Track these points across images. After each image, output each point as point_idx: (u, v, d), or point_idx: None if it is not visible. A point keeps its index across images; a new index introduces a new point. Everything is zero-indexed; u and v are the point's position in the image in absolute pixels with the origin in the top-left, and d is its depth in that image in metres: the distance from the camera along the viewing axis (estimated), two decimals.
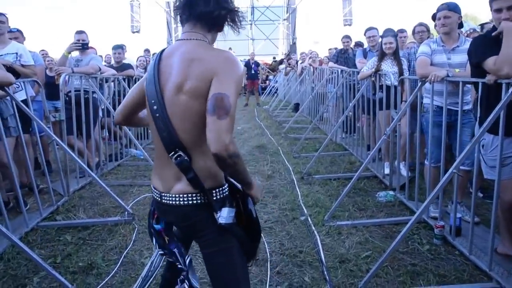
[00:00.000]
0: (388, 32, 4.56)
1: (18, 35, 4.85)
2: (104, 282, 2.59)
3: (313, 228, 3.29)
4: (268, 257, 2.84)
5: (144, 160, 5.70)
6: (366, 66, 4.74)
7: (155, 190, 1.49)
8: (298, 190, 4.24)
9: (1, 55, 4.10)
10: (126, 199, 4.03)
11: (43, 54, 6.32)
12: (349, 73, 5.86)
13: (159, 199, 1.47)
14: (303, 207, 3.76)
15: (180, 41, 1.45)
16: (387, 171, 4.46)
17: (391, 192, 4.04)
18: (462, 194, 3.38)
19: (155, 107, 1.37)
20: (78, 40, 4.71)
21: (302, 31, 21.18)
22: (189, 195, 1.39)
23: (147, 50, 10.24)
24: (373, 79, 4.55)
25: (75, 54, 4.93)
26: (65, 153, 3.98)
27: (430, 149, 3.26)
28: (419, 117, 3.56)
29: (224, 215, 1.39)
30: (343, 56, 6.72)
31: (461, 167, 2.89)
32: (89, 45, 5.14)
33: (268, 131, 7.96)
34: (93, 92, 4.73)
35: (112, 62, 6.68)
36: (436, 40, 3.31)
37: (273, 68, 18.64)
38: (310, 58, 9.23)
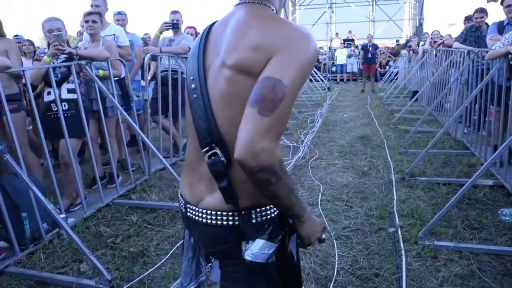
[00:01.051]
0: None
1: (124, 17, 5.01)
2: (146, 273, 2.40)
3: (402, 245, 2.63)
4: (334, 274, 2.32)
5: None
6: (500, 43, 3.69)
7: (180, 198, 1.16)
8: (394, 193, 3.54)
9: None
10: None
11: (147, 38, 6.55)
12: (477, 54, 4.73)
13: (183, 210, 1.13)
14: (396, 216, 3.08)
15: (239, 5, 1.08)
16: None
17: None
18: None
19: (193, 85, 1.03)
20: (172, 20, 4.65)
21: (433, 11, 18.81)
22: (223, 213, 1.03)
23: None
24: (510, 61, 3.50)
25: (170, 34, 4.89)
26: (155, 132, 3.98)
27: None
28: None
29: (255, 250, 1.00)
30: (474, 35, 5.50)
31: None
32: (190, 25, 5.09)
33: (377, 120, 7.12)
34: (182, 73, 4.65)
35: None
36: None
37: (396, 52, 17.02)
38: (431, 39, 7.96)
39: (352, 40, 17.34)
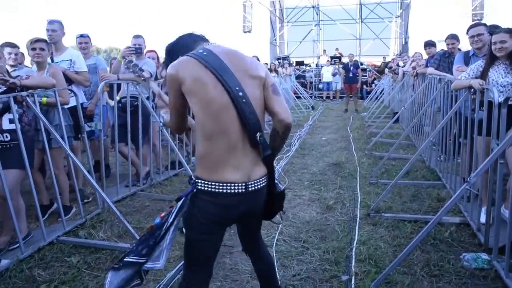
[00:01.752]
0: (501, 28, 3.34)
1: (87, 40, 4.86)
2: None
3: None
4: None
5: None
6: (466, 73, 3.57)
7: (233, 184, 1.53)
8: (356, 233, 3.36)
9: (57, 62, 4.07)
10: (154, 219, 3.63)
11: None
12: (446, 82, 4.63)
13: (243, 190, 1.55)
14: (352, 261, 2.89)
15: (214, 44, 1.69)
16: (483, 219, 3.28)
17: (484, 256, 2.89)
18: None
19: (240, 93, 1.51)
20: (134, 45, 4.51)
21: (418, 30, 18.96)
22: (265, 176, 1.65)
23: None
24: (472, 94, 3.38)
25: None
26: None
27: None
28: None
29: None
30: (447, 61, 5.41)
31: None
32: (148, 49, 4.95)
33: (354, 144, 6.99)
34: (147, 99, 4.49)
35: None
36: None
37: (382, 70, 17.07)
38: (413, 61, 7.90)
39: (339, 58, 17.37)
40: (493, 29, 3.43)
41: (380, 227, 3.50)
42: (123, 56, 4.44)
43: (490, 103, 3.11)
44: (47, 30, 4.13)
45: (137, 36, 4.60)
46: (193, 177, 1.60)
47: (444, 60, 5.45)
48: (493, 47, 3.32)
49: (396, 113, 8.95)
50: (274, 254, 2.98)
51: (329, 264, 2.86)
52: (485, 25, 3.98)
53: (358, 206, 3.97)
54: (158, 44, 4.82)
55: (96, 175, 4.61)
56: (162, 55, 6.92)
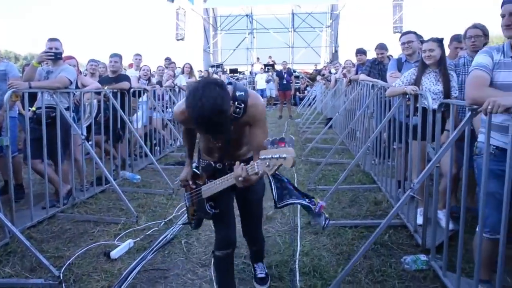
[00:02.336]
0: (430, 38, 3.44)
1: None
2: None
3: None
4: None
5: (136, 186, 4.94)
6: (399, 80, 3.63)
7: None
8: (298, 244, 3.22)
9: None
10: (77, 246, 3.22)
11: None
12: (380, 89, 4.74)
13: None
14: (297, 275, 2.74)
15: None
16: (420, 221, 3.32)
17: (423, 257, 2.91)
18: None
19: None
20: (50, 48, 4.02)
21: (347, 39, 19.89)
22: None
23: (168, 59, 9.61)
24: (408, 100, 3.43)
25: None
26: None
27: (484, 211, 2.12)
28: (466, 149, 2.40)
29: None
30: (377, 68, 5.58)
31: None
32: (69, 54, 4.49)
33: None
34: (67, 109, 4.04)
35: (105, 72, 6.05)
36: (503, 47, 2.16)
37: (313, 77, 17.55)
38: (344, 68, 8.12)
39: (272, 65, 17.58)
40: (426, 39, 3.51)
41: (322, 236, 3.41)
42: (39, 62, 3.96)
43: (424, 109, 3.17)
44: None
45: (53, 39, 4.10)
46: None
47: (374, 67, 5.61)
48: (423, 55, 3.42)
49: (330, 119, 9.17)
50: (213, 275, 2.74)
51: (273, 280, 2.68)
52: (415, 33, 4.12)
53: (298, 215, 3.86)
54: (83, 50, 4.42)
55: (3, 197, 4.04)
56: (81, 62, 6.39)
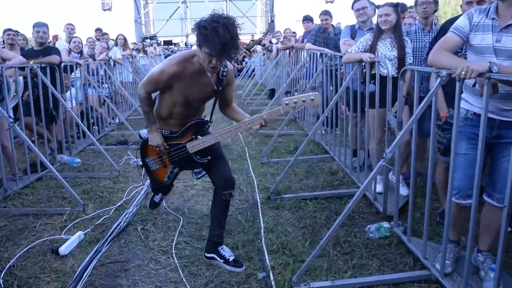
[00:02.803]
0: (386, 2, 3.40)
1: None
2: None
3: None
4: None
5: (77, 171, 4.51)
6: (355, 46, 3.58)
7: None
8: (261, 221, 3.13)
9: None
10: (16, 244, 2.85)
11: None
12: (330, 56, 4.69)
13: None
14: (265, 254, 2.66)
15: None
16: (379, 188, 3.38)
17: (386, 224, 2.97)
18: None
19: None
20: None
21: (282, 9, 19.73)
22: None
23: (99, 30, 8.84)
24: (363, 68, 3.39)
25: None
26: None
27: (454, 176, 2.15)
28: (433, 115, 2.41)
29: None
30: (322, 36, 5.53)
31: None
32: None
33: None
34: None
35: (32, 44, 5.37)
36: (489, 8, 2.06)
37: (250, 48, 17.30)
38: (285, 37, 8.01)
39: None
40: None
41: (283, 210, 3.35)
42: None
43: (381, 77, 3.16)
44: None
45: None
46: None
47: (319, 36, 5.55)
48: (378, 19, 3.38)
49: (273, 89, 9.10)
50: (177, 263, 2.57)
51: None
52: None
53: (256, 190, 3.77)
54: None
55: None
56: None
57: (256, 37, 18.03)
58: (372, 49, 3.40)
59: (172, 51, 17.32)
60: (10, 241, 2.90)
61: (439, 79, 2.08)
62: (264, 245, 2.77)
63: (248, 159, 4.75)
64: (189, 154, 2.53)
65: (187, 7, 19.75)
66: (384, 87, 3.08)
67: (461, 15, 2.90)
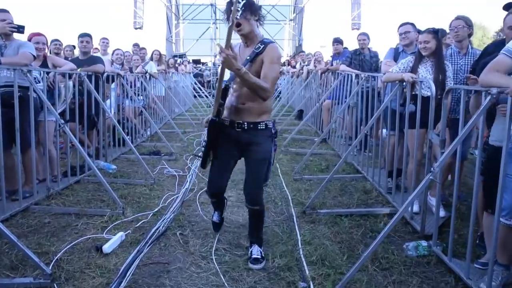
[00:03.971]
0: (426, 29, 3.48)
1: None
2: None
3: None
4: None
5: (112, 176, 4.64)
6: (396, 67, 3.64)
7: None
8: (298, 233, 3.15)
9: None
10: (61, 240, 2.94)
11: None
12: (366, 78, 4.76)
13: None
14: (304, 264, 2.66)
15: None
16: (416, 208, 3.37)
17: (424, 243, 2.93)
18: None
19: None
20: (3, 20, 3.56)
21: (309, 34, 20.09)
22: None
23: (136, 45, 9.18)
24: (404, 88, 3.44)
25: None
26: None
27: (503, 196, 2.14)
28: (480, 134, 2.44)
29: None
30: (358, 58, 5.62)
31: None
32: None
33: None
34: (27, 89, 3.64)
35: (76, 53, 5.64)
36: None
37: None
38: (316, 60, 8.14)
39: None
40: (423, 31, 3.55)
41: (319, 224, 3.36)
42: (5, 33, 3.56)
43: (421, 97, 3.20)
44: None
45: (4, 11, 3.61)
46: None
47: (355, 58, 5.65)
48: (419, 46, 3.45)
49: (301, 110, 9.19)
50: (218, 268, 2.60)
51: (282, 270, 2.59)
52: (413, 24, 4.17)
53: (291, 204, 3.79)
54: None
55: None
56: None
57: (282, 60, 18.32)
58: (413, 70, 3.45)
59: (200, 70, 17.75)
60: (55, 237, 3.00)
61: (489, 97, 2.10)
62: (302, 256, 2.78)
63: (280, 174, 4.79)
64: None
65: (216, 28, 20.28)
66: (425, 107, 3.11)
67: (503, 39, 2.96)
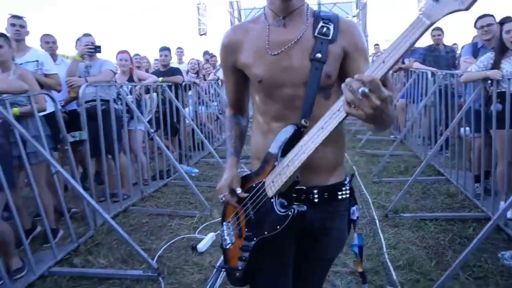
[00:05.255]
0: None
1: (54, 40, 4.32)
2: None
3: None
4: None
5: (196, 180, 4.94)
6: (475, 65, 3.48)
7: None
8: (381, 238, 3.15)
9: (20, 63, 3.50)
10: (159, 239, 3.24)
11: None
12: (444, 76, 4.58)
13: None
14: (391, 269, 2.68)
15: None
16: (510, 214, 3.20)
17: None
18: None
19: None
20: (88, 43, 4.03)
21: (373, 29, 19.49)
22: None
23: (207, 53, 9.59)
24: (490, 86, 3.28)
25: None
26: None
27: None
28: None
29: None
30: (432, 55, 5.40)
31: None
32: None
33: None
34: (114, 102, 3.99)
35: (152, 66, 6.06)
36: None
37: None
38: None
39: None
40: (506, 19, 3.34)
41: (403, 229, 3.33)
42: (82, 55, 3.99)
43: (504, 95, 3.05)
44: (13, 25, 3.57)
45: (88, 35, 4.18)
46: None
47: (429, 54, 5.44)
48: (506, 36, 3.24)
49: None
50: None
51: (369, 273, 2.63)
52: (493, 16, 3.92)
53: (372, 207, 3.79)
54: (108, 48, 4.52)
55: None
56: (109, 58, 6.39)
57: None
58: (495, 67, 3.27)
59: None
60: (153, 235, 3.32)
61: None
62: (388, 260, 2.79)
63: (357, 177, 4.78)
64: (268, 201, 1.17)
65: None
66: None
67: None
